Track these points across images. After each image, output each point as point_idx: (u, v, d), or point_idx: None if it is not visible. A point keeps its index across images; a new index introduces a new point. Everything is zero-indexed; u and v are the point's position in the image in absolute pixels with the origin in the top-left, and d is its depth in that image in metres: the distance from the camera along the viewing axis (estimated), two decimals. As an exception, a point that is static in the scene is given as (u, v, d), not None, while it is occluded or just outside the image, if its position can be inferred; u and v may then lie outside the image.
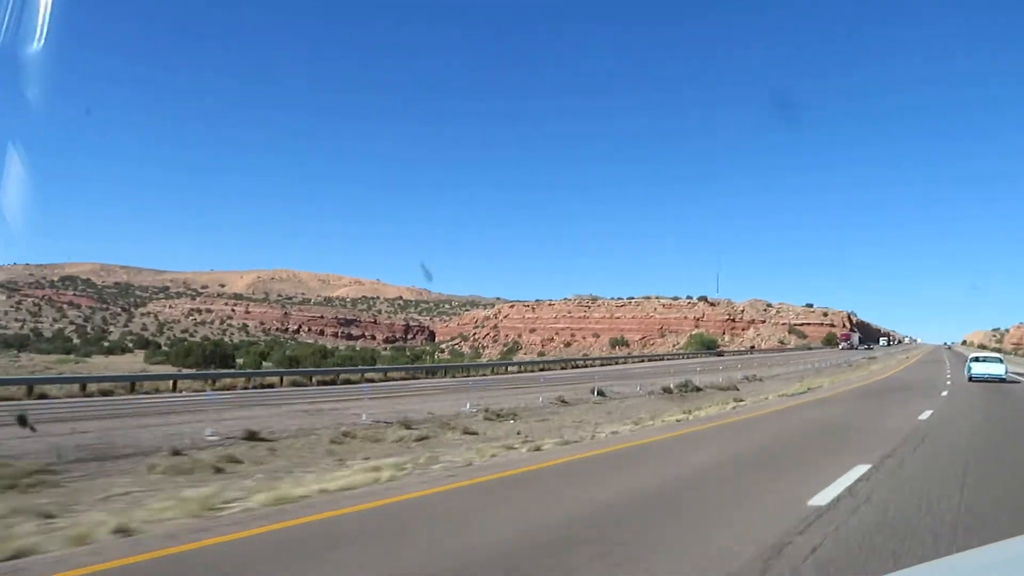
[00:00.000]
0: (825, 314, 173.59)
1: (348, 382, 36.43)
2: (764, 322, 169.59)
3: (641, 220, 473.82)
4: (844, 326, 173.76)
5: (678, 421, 16.89)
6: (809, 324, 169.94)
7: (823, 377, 34.33)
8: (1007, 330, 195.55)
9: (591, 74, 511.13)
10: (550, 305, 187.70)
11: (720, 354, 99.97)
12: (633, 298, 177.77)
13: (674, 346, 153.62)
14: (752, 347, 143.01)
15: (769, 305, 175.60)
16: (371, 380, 38.17)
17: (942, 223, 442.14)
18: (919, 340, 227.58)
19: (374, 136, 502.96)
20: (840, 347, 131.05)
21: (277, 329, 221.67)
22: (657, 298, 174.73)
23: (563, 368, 57.11)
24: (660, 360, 68.55)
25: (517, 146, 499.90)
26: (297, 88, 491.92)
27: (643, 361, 66.28)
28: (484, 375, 46.13)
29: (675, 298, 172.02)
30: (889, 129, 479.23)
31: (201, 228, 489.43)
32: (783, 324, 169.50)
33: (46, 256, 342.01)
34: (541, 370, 53.98)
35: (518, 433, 15.48)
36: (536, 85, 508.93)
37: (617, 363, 63.72)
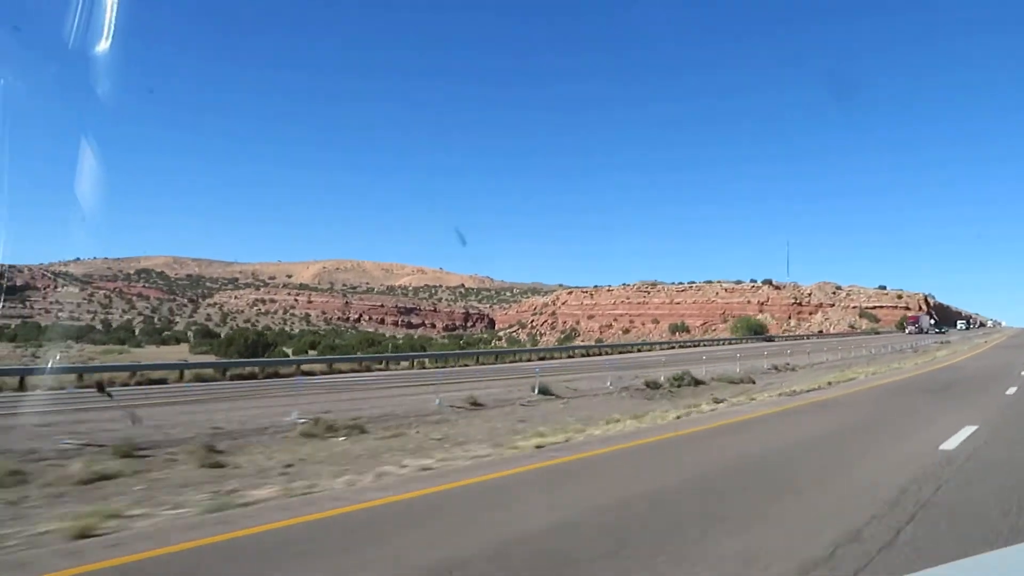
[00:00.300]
0: (899, 296, 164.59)
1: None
2: (833, 306, 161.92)
3: (703, 203, 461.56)
4: (920, 309, 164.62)
5: (564, 442, 11.36)
6: (882, 307, 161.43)
7: (873, 365, 29.95)
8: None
9: (653, 56, 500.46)
10: (608, 291, 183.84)
11: (769, 339, 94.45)
12: (694, 283, 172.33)
13: (729, 332, 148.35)
14: (820, 331, 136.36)
15: (839, 288, 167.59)
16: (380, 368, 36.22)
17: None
18: (1004, 323, 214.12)
19: (437, 127, 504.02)
20: (907, 331, 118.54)
21: (338, 318, 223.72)
22: (719, 282, 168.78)
23: (586, 355, 53.71)
24: (695, 347, 64.21)
25: (577, 133, 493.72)
26: (358, 78, 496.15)
27: (673, 348, 62.17)
28: (475, 364, 43.33)
29: (738, 282, 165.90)
30: (969, 103, 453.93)
31: (270, 221, 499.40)
32: (853, 308, 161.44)
33: (123, 250, 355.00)
34: (568, 357, 50.92)
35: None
36: (597, 70, 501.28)
37: (637, 350, 59.63)
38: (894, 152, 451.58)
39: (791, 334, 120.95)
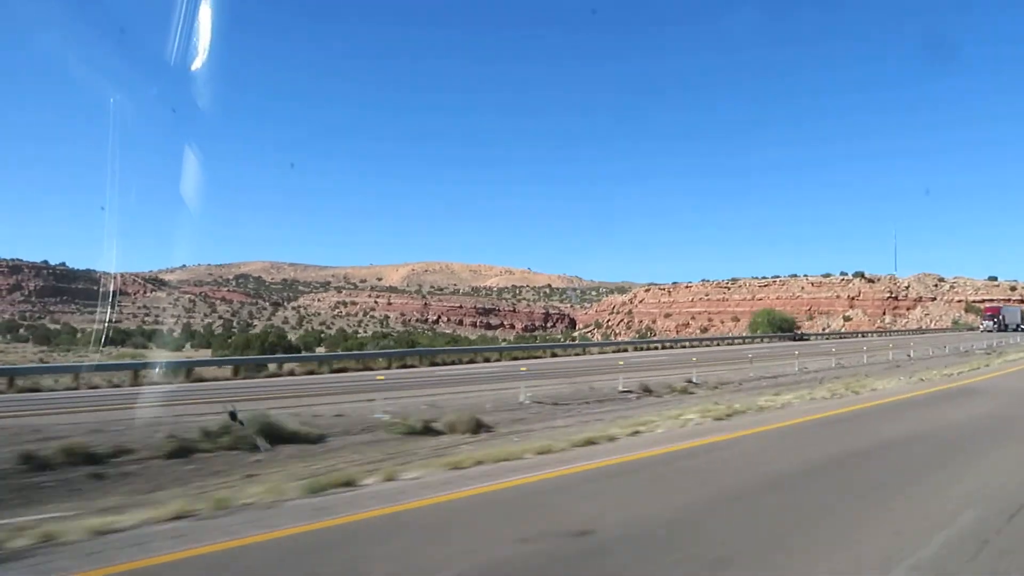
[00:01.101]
0: (1013, 288, 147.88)
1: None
2: (934, 299, 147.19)
3: (788, 190, 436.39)
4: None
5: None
6: (991, 300, 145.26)
7: (883, 379, 23.08)
8: None
9: (728, 30, 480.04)
10: (687, 288, 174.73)
11: (801, 337, 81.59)
12: (779, 277, 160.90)
13: (823, 328, 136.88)
14: (920, 328, 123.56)
15: (941, 280, 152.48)
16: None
17: None
18: None
19: (521, 131, 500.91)
20: (981, 328, 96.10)
21: (417, 320, 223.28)
22: (806, 276, 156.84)
23: (617, 350, 48.34)
24: (714, 345, 56.79)
25: (656, 126, 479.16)
26: (436, 87, 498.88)
27: (685, 346, 55.06)
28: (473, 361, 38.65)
29: (826, 275, 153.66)
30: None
31: (362, 224, 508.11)
32: (958, 301, 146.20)
33: (226, 257, 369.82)
34: (605, 351, 45.16)
35: None
36: (670, 50, 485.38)
37: (648, 348, 53.18)
38: (1004, 121, 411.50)
39: (831, 332, 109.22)
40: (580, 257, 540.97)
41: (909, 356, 30.98)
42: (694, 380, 20.96)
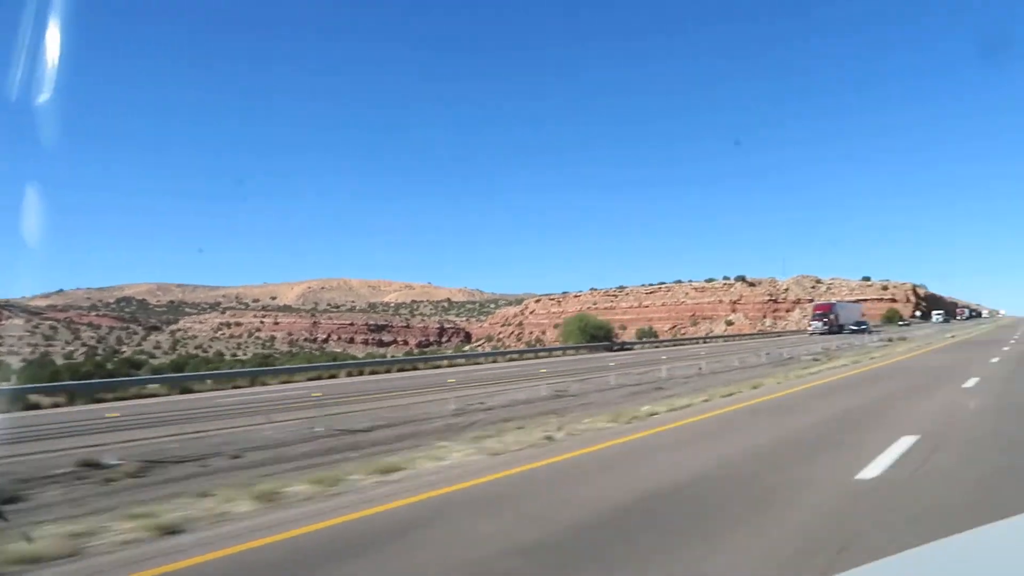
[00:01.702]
0: (885, 288, 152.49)
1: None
2: (812, 300, 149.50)
3: (682, 196, 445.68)
4: (908, 300, 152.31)
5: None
6: (865, 300, 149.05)
7: (596, 416, 18.60)
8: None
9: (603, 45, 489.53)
10: (576, 297, 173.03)
11: (621, 347, 67.14)
12: (664, 283, 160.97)
13: (708, 332, 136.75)
14: (781, 330, 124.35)
15: (818, 281, 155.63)
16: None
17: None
18: (1003, 312, 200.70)
19: (424, 144, 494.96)
20: (810, 330, 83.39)
21: (305, 339, 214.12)
22: (690, 282, 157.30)
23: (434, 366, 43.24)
24: (521, 359, 52.79)
25: (552, 137, 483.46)
26: (333, 99, 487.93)
27: (514, 359, 51.00)
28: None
29: (709, 280, 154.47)
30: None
31: (255, 242, 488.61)
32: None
33: (104, 279, 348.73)
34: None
35: None
36: (552, 66, 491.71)
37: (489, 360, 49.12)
38: (875, 135, 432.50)
39: (683, 338, 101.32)
40: (482, 270, 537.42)
41: (700, 369, 25.89)
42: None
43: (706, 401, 14.89)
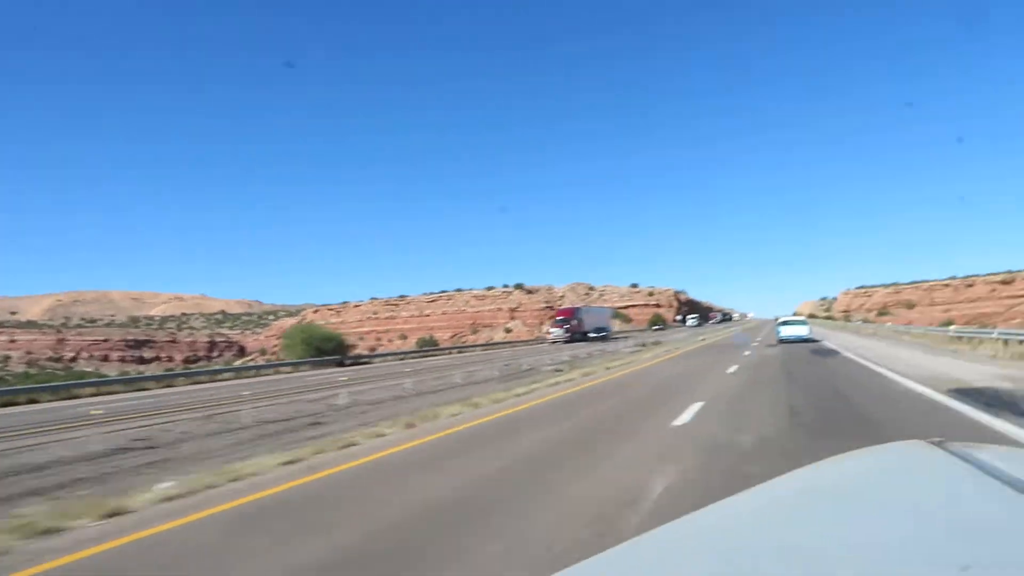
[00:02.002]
0: (651, 294, 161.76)
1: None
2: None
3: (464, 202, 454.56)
4: (671, 306, 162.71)
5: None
6: (634, 306, 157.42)
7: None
8: (835, 298, 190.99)
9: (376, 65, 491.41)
10: (356, 307, 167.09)
11: (356, 361, 56.75)
12: (445, 291, 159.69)
13: (488, 340, 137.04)
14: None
15: (592, 288, 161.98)
16: None
17: (767, 194, 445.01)
18: (751, 315, 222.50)
19: (209, 152, 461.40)
20: (550, 337, 76.19)
21: (49, 358, 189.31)
22: (471, 290, 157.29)
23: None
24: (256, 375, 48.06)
25: (328, 148, 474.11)
26: (108, 94, 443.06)
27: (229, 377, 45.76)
28: None
29: (489, 288, 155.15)
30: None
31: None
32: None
33: None
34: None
35: None
36: (316, 80, 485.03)
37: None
38: (632, 151, 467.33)
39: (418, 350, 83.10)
40: (263, 280, 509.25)
41: (405, 389, 21.20)
42: None
43: (345, 448, 10.71)
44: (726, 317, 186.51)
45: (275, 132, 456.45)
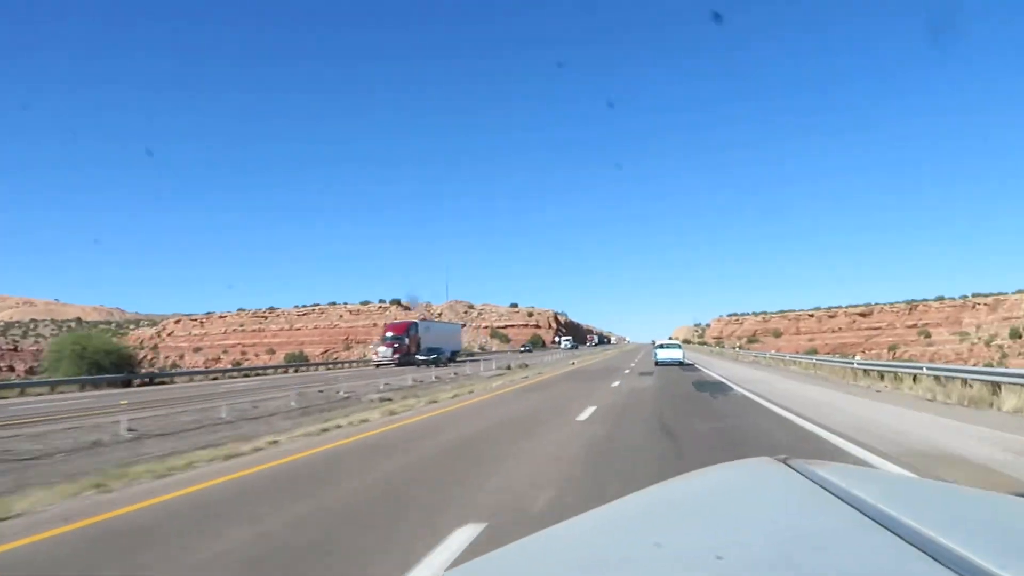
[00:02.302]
0: (530, 314, 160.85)
1: None
2: (464, 326, 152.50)
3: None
4: (550, 327, 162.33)
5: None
6: (513, 326, 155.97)
7: None
8: (708, 324, 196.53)
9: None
10: (221, 318, 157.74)
11: (151, 379, 45.38)
12: (319, 305, 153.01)
13: (360, 356, 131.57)
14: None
15: (471, 307, 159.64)
16: None
17: (643, 221, 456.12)
18: (628, 339, 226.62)
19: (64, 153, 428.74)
20: (375, 359, 64.47)
21: None
22: (345, 304, 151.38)
23: None
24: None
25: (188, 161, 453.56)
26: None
27: None
28: None
29: (364, 303, 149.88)
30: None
31: None
32: (485, 327, 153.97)
33: None
34: None
35: None
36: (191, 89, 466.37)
37: None
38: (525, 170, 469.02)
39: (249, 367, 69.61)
40: (126, 286, 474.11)
41: (123, 433, 14.78)
42: None
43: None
44: (604, 340, 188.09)
45: (141, 133, 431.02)
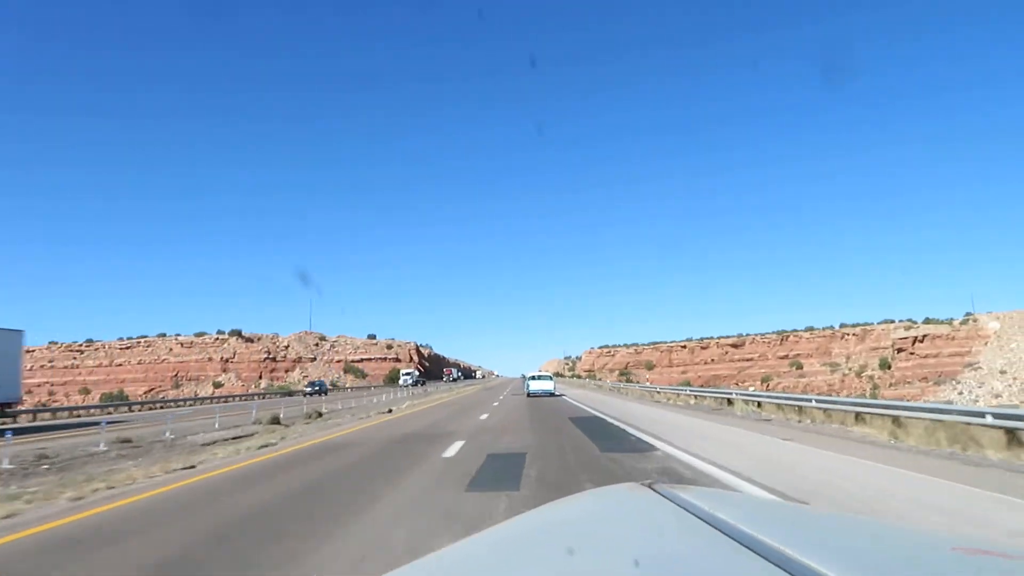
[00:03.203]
0: (389, 346, 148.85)
1: None
2: (314, 359, 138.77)
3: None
4: (411, 360, 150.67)
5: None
6: (371, 359, 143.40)
7: None
8: (579, 357, 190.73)
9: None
10: (27, 352, 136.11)
11: None
12: (146, 337, 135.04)
13: (193, 395, 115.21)
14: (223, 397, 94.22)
15: (323, 339, 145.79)
16: None
17: (511, 254, 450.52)
18: (497, 373, 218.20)
19: None
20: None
21: None
22: (176, 336, 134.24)
23: None
24: None
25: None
26: None
27: None
28: None
29: (199, 334, 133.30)
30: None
31: None
32: (338, 361, 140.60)
33: None
34: None
35: None
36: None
37: None
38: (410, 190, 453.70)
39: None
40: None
41: None
42: None
43: None
44: (468, 374, 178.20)
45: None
